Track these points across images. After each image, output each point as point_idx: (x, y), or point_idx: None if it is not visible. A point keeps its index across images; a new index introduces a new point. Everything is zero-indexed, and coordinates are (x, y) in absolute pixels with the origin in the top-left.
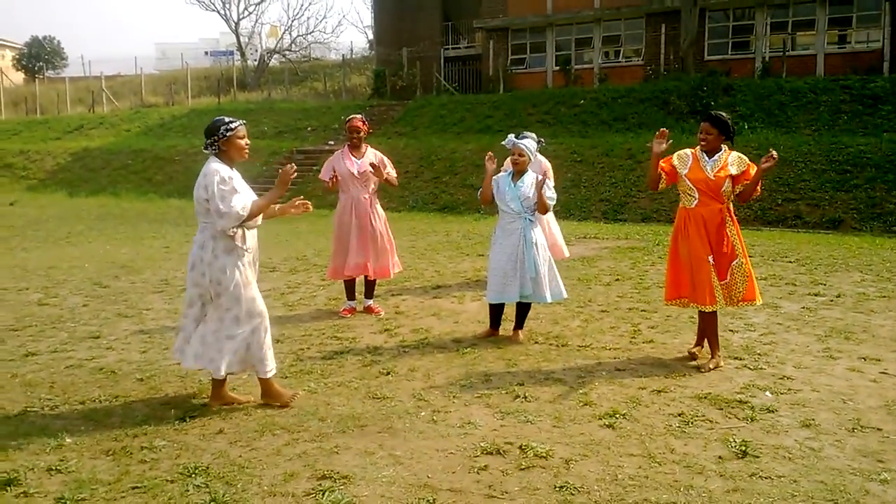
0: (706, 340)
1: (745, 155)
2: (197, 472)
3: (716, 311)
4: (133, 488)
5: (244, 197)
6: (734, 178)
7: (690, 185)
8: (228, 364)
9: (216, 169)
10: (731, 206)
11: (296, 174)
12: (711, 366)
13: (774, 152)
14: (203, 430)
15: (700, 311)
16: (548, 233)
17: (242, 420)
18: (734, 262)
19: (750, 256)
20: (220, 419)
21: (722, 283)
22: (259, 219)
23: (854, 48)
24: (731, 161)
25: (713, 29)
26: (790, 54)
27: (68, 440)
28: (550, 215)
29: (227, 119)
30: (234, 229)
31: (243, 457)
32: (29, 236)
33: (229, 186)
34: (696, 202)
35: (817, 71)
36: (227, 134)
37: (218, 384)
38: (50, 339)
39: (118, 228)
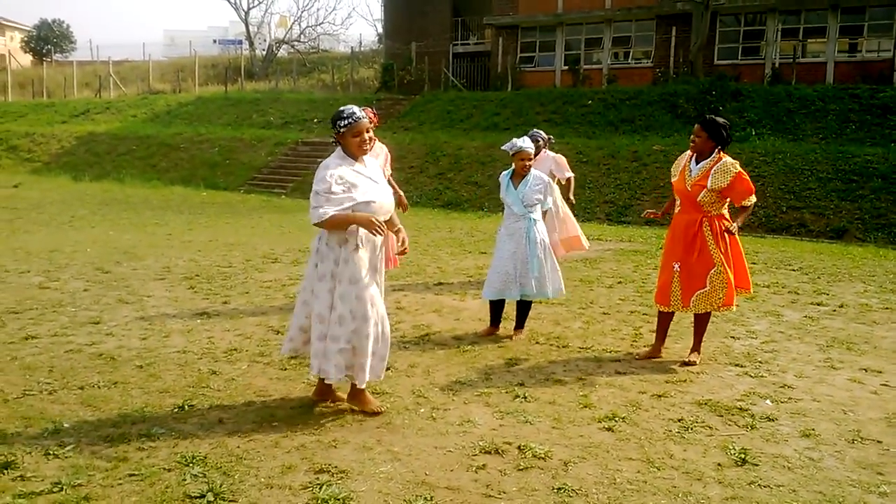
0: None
1: (751, 162)
2: (195, 461)
3: (671, 313)
4: (130, 475)
5: (352, 197)
6: (719, 192)
7: (675, 193)
8: (337, 368)
9: (326, 164)
10: (723, 214)
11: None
12: (692, 359)
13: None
14: (202, 419)
15: (659, 311)
16: (570, 226)
17: (241, 411)
18: (712, 271)
19: (753, 263)
20: (219, 409)
21: (701, 291)
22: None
23: (864, 57)
24: (714, 171)
25: (724, 33)
26: (800, 61)
27: (66, 425)
28: (566, 209)
29: (345, 111)
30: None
31: (241, 447)
32: (32, 219)
33: (330, 185)
34: (679, 209)
35: (827, 79)
36: (341, 130)
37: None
38: (50, 322)
39: (121, 214)
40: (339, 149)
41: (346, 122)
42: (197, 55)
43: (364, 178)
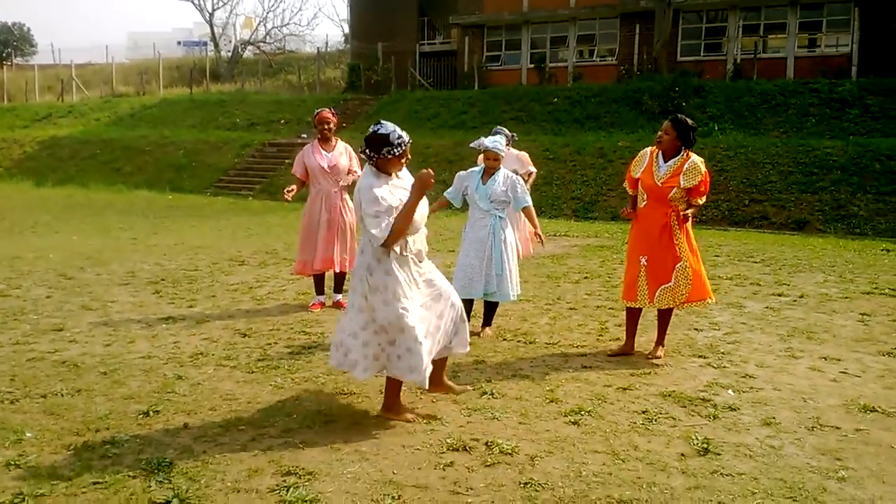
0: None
1: (714, 156)
2: (160, 467)
3: (639, 309)
4: (94, 484)
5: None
6: (687, 190)
7: (641, 188)
8: (365, 366)
9: (369, 185)
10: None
11: (434, 181)
12: (656, 353)
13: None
14: (167, 425)
15: (627, 307)
16: (521, 227)
17: (207, 415)
18: (678, 265)
19: (716, 256)
20: (185, 414)
21: (666, 286)
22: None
23: (823, 52)
24: (685, 170)
25: (686, 30)
26: (761, 57)
27: (28, 434)
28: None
29: (394, 135)
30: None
31: (207, 452)
32: None
33: (386, 206)
34: (644, 203)
35: (787, 74)
36: (389, 156)
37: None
38: (12, 330)
39: (85, 219)
40: (371, 168)
41: (398, 150)
42: (161, 57)
43: (403, 192)
